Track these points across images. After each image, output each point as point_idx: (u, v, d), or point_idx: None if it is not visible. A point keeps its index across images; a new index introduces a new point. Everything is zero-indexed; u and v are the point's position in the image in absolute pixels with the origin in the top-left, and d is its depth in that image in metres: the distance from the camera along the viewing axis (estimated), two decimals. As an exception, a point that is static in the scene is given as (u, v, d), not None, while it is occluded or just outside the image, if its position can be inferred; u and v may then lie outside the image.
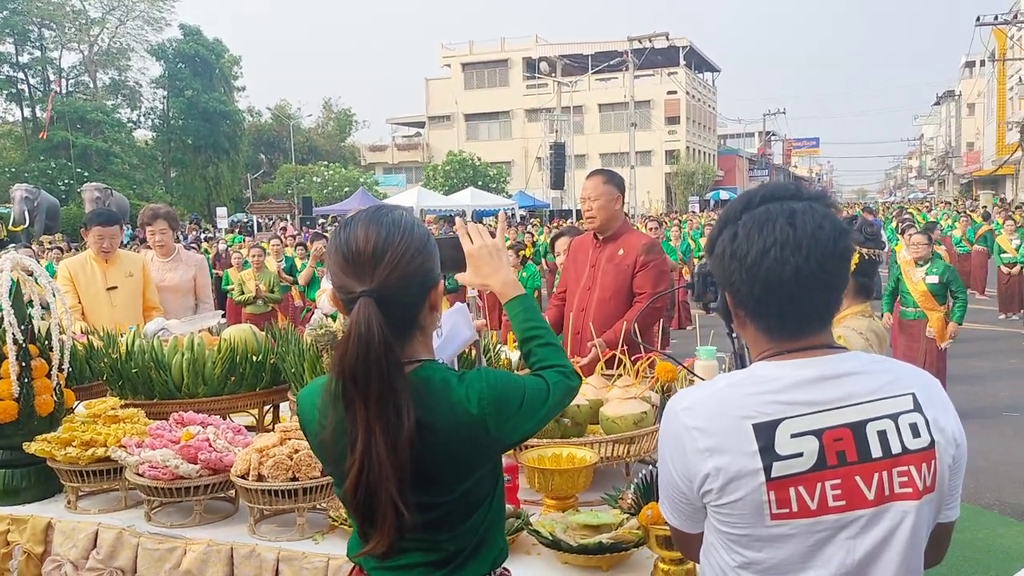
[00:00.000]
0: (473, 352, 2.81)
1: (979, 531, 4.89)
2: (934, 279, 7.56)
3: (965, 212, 23.35)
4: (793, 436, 1.28)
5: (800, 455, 1.28)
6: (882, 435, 1.29)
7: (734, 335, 1.76)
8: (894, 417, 1.30)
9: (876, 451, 1.29)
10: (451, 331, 2.24)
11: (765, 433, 1.28)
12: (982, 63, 52.68)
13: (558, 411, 1.63)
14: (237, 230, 30.73)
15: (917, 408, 1.32)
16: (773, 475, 1.27)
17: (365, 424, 1.39)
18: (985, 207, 29.99)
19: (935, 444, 1.31)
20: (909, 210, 30.06)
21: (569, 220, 32.17)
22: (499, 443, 1.52)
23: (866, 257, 2.94)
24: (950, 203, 36.81)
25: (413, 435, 1.39)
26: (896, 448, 1.29)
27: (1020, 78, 39.80)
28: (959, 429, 1.36)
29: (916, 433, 1.30)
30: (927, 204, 41.83)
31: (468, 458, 1.48)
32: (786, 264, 1.30)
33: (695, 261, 15.36)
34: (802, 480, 1.28)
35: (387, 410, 1.39)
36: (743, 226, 1.36)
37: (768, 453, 1.28)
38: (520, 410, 1.51)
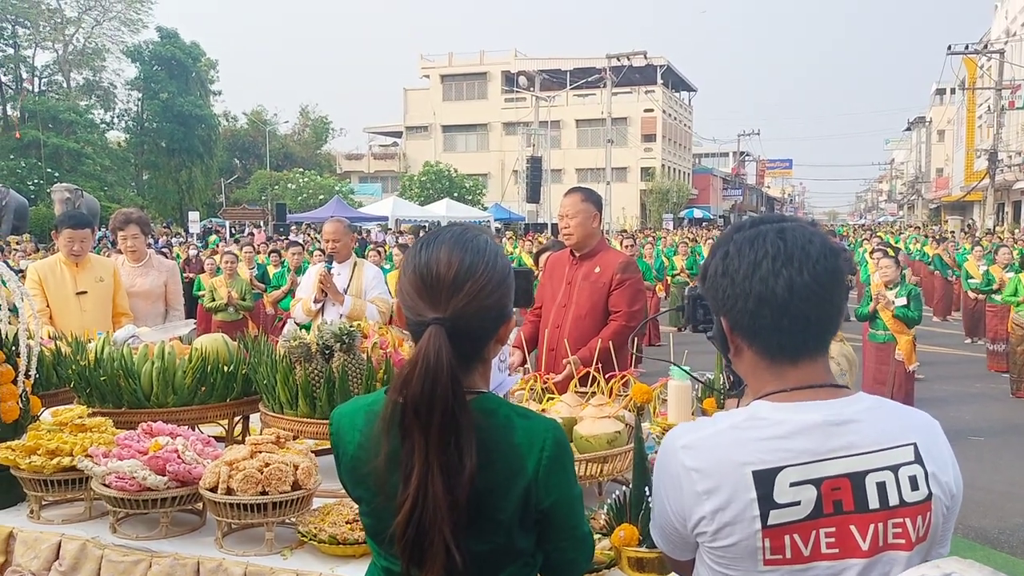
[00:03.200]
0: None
1: (943, 554, 4.94)
2: (902, 300, 7.71)
3: (933, 237, 23.85)
4: (792, 485, 1.27)
5: (797, 504, 1.26)
6: (881, 487, 1.28)
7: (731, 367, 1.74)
8: (894, 469, 1.29)
9: (873, 503, 1.28)
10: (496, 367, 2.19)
11: (764, 481, 1.27)
12: (952, 91, 53.64)
13: (584, 551, 1.55)
14: (215, 233, 30.53)
15: (918, 460, 1.31)
16: (769, 523, 1.26)
17: (423, 459, 1.32)
18: (953, 232, 30.52)
19: (932, 497, 1.30)
20: (879, 233, 30.49)
21: (544, 233, 32.25)
22: (538, 502, 1.41)
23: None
24: (919, 227, 37.38)
25: (474, 477, 1.32)
26: (894, 500, 1.28)
27: (989, 107, 40.56)
28: (957, 478, 1.36)
29: (915, 486, 1.29)
30: (897, 228, 42.44)
31: (512, 507, 1.39)
32: (779, 276, 1.29)
33: (668, 279, 15.45)
34: (797, 528, 1.27)
35: (448, 448, 1.32)
36: (734, 244, 1.36)
37: (766, 501, 1.26)
38: (571, 488, 1.45)
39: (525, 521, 1.42)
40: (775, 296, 1.30)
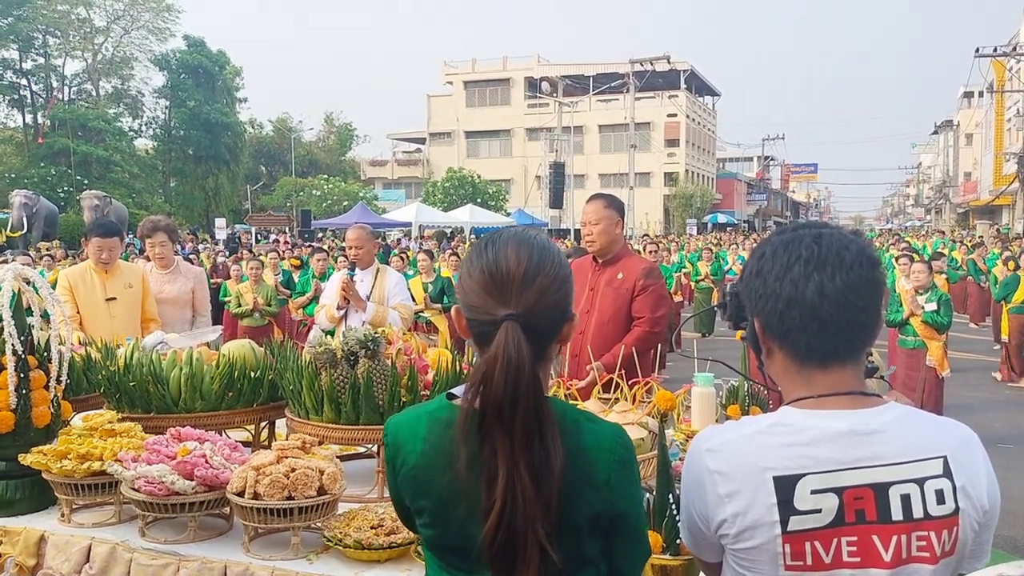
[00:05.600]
0: None
1: (972, 563, 4.87)
2: (932, 306, 7.64)
3: (962, 241, 23.61)
4: (813, 492, 1.27)
5: (818, 511, 1.27)
6: (905, 499, 1.27)
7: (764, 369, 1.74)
8: (920, 482, 1.28)
9: (897, 514, 1.27)
10: None
11: (785, 487, 1.27)
12: (980, 94, 53.05)
13: (645, 556, 1.52)
14: (258, 237, 30.84)
15: (946, 473, 1.29)
16: (789, 529, 1.27)
17: (508, 458, 1.28)
18: (982, 237, 30.14)
19: (959, 512, 1.29)
20: (907, 238, 30.14)
21: (567, 239, 32.23)
22: (609, 508, 1.37)
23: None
24: (944, 232, 36.94)
25: (563, 472, 1.29)
26: (918, 513, 1.28)
27: (1018, 110, 40.06)
28: (991, 492, 1.34)
29: (941, 499, 1.28)
30: (924, 233, 42.00)
31: (582, 514, 1.36)
32: (810, 279, 1.30)
33: (692, 285, 15.39)
34: (818, 535, 1.27)
35: (533, 444, 1.28)
36: (771, 246, 1.38)
37: (786, 507, 1.27)
38: (639, 492, 1.44)
39: (595, 528, 1.39)
40: (804, 298, 1.30)
